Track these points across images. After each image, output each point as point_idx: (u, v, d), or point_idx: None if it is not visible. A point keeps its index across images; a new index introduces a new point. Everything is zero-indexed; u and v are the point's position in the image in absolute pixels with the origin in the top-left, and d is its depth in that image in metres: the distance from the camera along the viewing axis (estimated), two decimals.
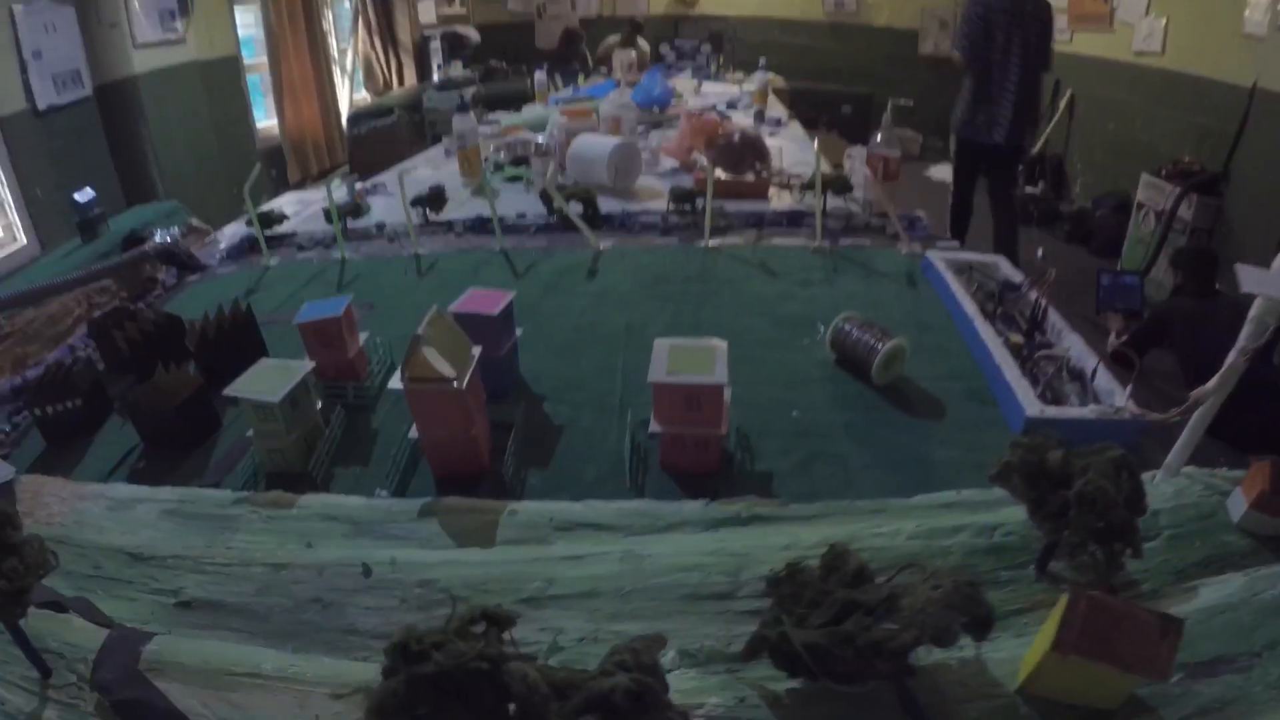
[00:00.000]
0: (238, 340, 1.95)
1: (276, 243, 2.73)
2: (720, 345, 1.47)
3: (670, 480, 1.47)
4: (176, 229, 2.75)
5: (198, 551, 1.22)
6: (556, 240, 2.62)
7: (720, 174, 2.92)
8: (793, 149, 3.60)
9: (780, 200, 2.96)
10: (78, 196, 2.70)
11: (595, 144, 3.14)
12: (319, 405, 1.61)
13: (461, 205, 2.93)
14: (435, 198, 2.79)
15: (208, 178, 5.71)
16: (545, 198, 2.76)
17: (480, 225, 2.74)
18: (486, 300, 1.69)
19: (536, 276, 2.34)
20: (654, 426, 1.44)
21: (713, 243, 2.49)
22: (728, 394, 1.42)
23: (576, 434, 1.63)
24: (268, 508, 1.38)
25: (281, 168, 6.89)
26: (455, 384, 1.37)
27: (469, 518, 1.28)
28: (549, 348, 1.94)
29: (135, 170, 5.19)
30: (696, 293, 2.20)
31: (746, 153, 3.08)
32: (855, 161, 2.89)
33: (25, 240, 4.28)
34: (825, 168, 2.76)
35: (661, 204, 2.84)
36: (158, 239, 2.62)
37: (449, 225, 2.77)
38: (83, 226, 2.69)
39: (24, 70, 4.30)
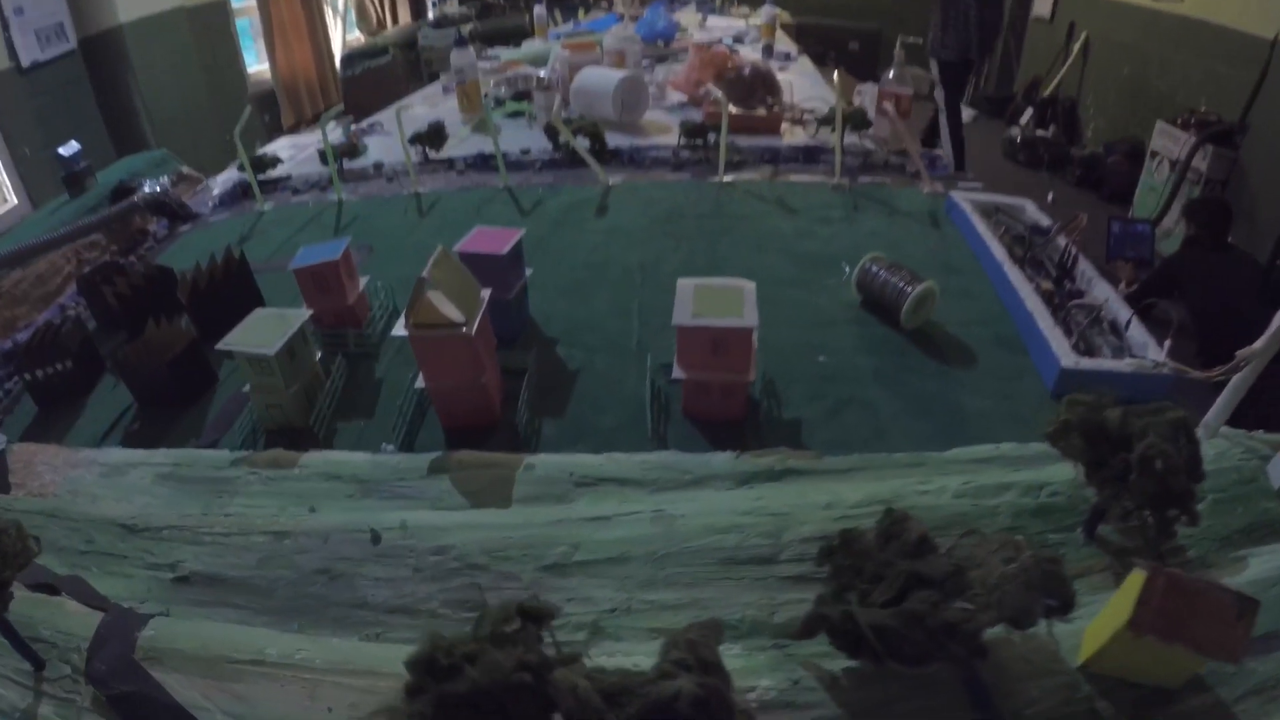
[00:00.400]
0: (232, 290, 1.84)
1: (270, 187, 2.60)
2: (748, 286, 1.35)
3: (694, 429, 1.37)
4: (166, 178, 2.62)
5: (194, 521, 1.13)
6: (563, 176, 2.47)
7: (731, 108, 2.76)
8: (803, 84, 3.39)
9: (794, 136, 2.79)
10: (62, 150, 2.56)
11: (600, 77, 2.96)
12: (319, 355, 1.51)
13: (462, 143, 2.78)
14: (435, 134, 2.63)
15: (199, 126, 5.53)
16: (551, 132, 2.61)
17: (482, 162, 2.60)
18: (494, 239, 1.57)
19: (544, 214, 2.20)
20: (677, 372, 1.33)
21: (727, 178, 2.35)
22: (755, 337, 1.31)
23: (592, 379, 1.53)
24: (267, 468, 1.28)
25: (275, 112, 6.69)
26: (464, 329, 1.26)
27: (482, 474, 1.18)
28: (559, 288, 1.83)
29: (125, 122, 5.02)
30: (712, 229, 2.07)
31: (757, 86, 2.91)
32: (866, 98, 2.75)
33: (15, 200, 4.16)
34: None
35: (671, 139, 2.69)
36: (147, 189, 2.49)
37: (450, 163, 2.63)
38: (69, 181, 2.56)
39: (5, 28, 4.12)
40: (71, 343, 1.71)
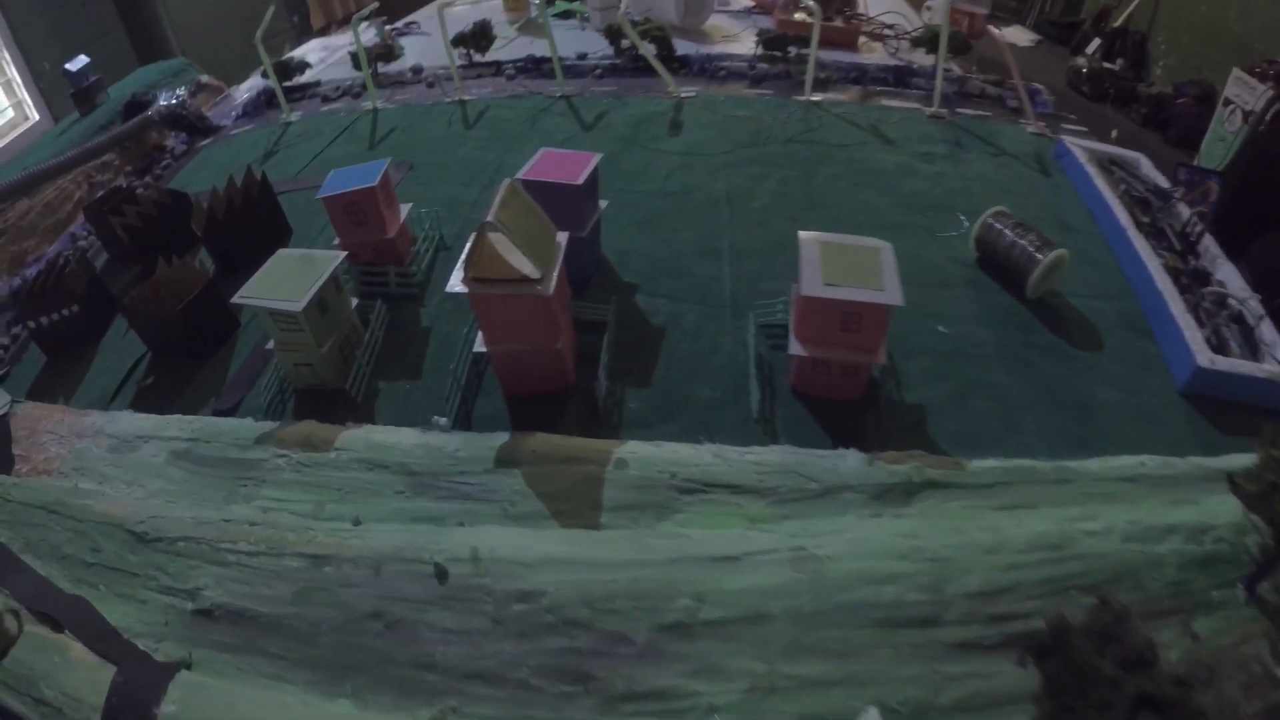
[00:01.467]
0: (254, 218, 1.59)
1: (298, 95, 2.31)
2: (885, 248, 1.08)
3: (804, 408, 1.12)
4: (184, 89, 2.34)
5: (214, 532, 0.91)
6: (627, 86, 2.14)
7: (800, 15, 2.37)
8: None
9: (870, 52, 2.39)
10: (69, 66, 2.29)
11: None
12: (354, 304, 1.26)
13: (508, 45, 2.44)
14: (480, 35, 2.30)
15: (225, 30, 5.19)
16: (611, 35, 2.25)
17: (534, 66, 2.27)
18: (566, 164, 1.28)
19: (609, 129, 1.89)
20: (795, 348, 1.07)
21: (815, 97, 2.00)
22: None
23: (681, 337, 1.26)
24: (298, 449, 1.06)
25: (303, 13, 6.29)
26: (539, 286, 0.99)
27: (563, 470, 0.94)
28: (633, 220, 1.54)
29: (147, 31, 4.69)
30: (802, 158, 1.75)
31: None
32: (936, 15, 2.33)
33: (37, 116, 3.91)
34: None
35: (739, 48, 2.33)
36: (162, 102, 2.22)
37: (496, 67, 2.30)
38: (78, 97, 2.30)
39: None
40: (77, 284, 1.48)
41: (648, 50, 2.01)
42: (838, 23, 2.44)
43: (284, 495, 1.01)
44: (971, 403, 1.14)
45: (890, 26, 2.47)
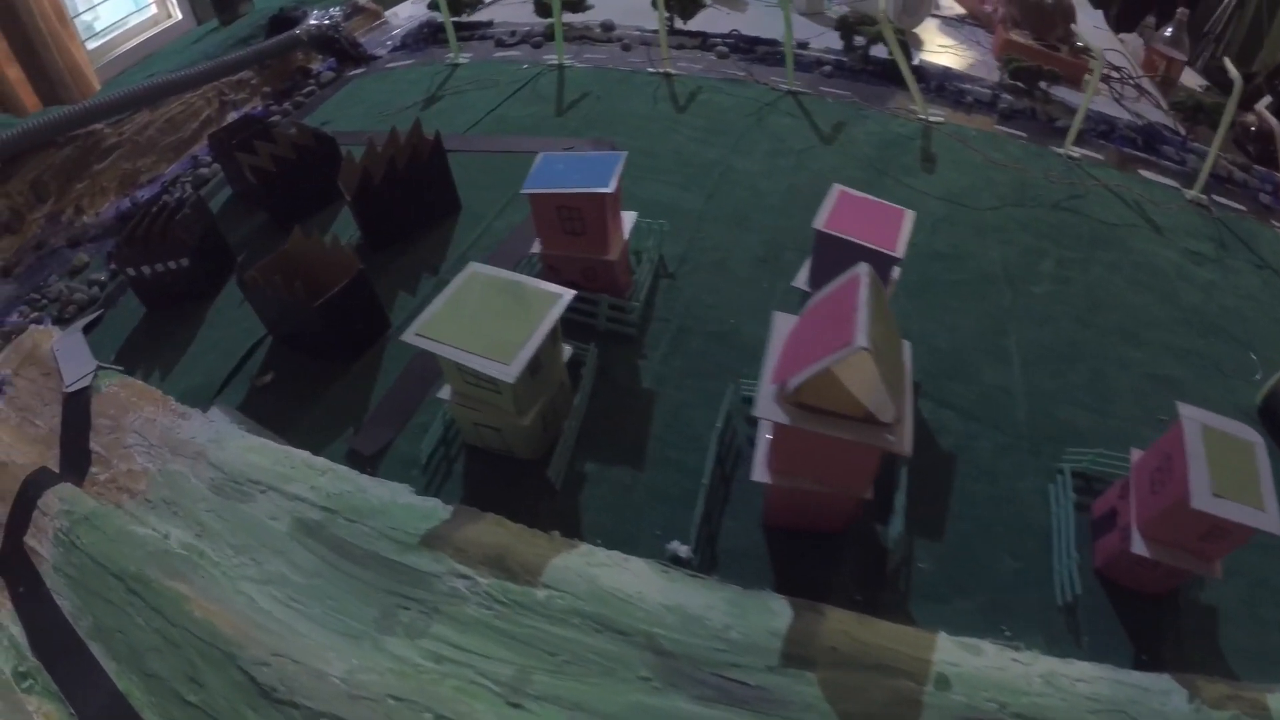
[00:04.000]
0: (419, 185, 1.26)
1: (465, 34, 1.97)
2: (1259, 447, 0.77)
3: (1105, 596, 0.84)
4: (338, 9, 2.02)
5: (372, 690, 0.59)
6: (860, 91, 1.75)
7: (1016, 35, 1.98)
8: (1083, 23, 2.44)
9: (1093, 93, 1.97)
10: None
11: None
12: (568, 353, 0.91)
13: (711, 19, 2.06)
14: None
15: None
16: (845, 29, 1.86)
17: (747, 48, 1.89)
18: (870, 217, 0.93)
19: (851, 146, 1.52)
20: (1138, 546, 0.76)
21: (1073, 152, 1.59)
22: None
23: (974, 474, 0.94)
24: (487, 570, 0.73)
25: None
26: (891, 436, 0.65)
27: (873, 683, 0.64)
28: (905, 286, 1.17)
29: None
30: (1075, 233, 1.38)
31: (1058, 16, 2.06)
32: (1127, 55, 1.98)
33: (179, 15, 3.66)
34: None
35: (953, 60, 1.96)
36: (313, 21, 1.90)
37: (702, 39, 1.93)
38: (220, 4, 2.00)
39: None
40: (190, 236, 1.17)
41: (904, 61, 1.62)
42: (1063, 52, 2.01)
43: (469, 643, 0.68)
44: (1261, 610, 0.85)
45: (1117, 69, 2.05)
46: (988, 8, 2.28)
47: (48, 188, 1.43)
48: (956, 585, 0.82)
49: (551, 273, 1.05)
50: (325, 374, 1.05)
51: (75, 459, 0.98)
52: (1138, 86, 2.02)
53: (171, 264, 1.17)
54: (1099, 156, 1.66)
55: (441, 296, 0.82)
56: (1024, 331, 1.14)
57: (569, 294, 0.83)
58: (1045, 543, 0.87)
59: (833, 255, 0.90)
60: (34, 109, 2.08)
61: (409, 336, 0.78)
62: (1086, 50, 2.04)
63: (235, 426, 0.96)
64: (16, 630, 0.76)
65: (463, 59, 1.82)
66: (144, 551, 0.77)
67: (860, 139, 1.54)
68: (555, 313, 0.80)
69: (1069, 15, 2.08)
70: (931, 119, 1.65)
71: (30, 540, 0.84)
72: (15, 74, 2.08)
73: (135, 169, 1.52)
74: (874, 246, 0.87)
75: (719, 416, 0.92)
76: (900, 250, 0.89)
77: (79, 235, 1.42)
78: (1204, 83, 2.51)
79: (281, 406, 1.02)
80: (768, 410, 0.69)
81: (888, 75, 1.78)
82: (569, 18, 1.98)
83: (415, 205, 1.26)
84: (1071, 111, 1.74)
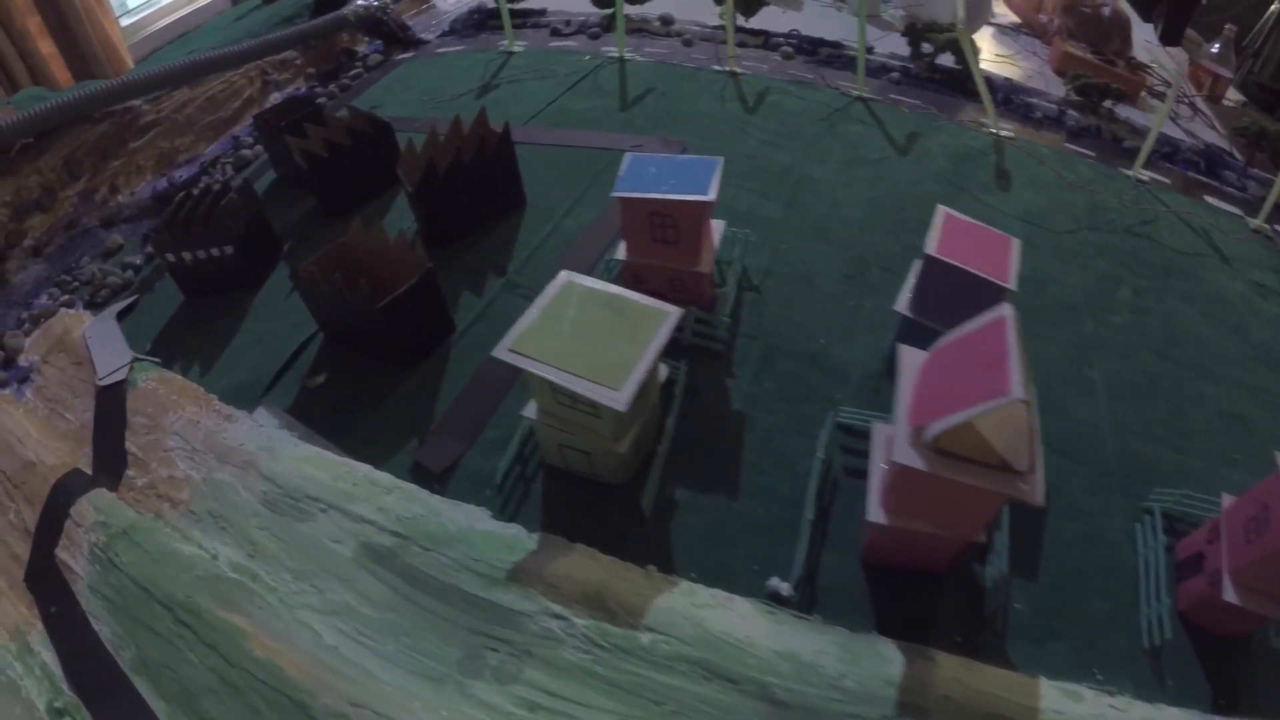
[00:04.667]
0: (485, 178, 1.18)
1: (519, 21, 1.89)
2: None
3: (1188, 639, 0.78)
4: None
5: None
6: (929, 100, 1.66)
7: (1073, 47, 1.90)
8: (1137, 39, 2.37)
9: (1145, 110, 1.87)
10: None
11: None
12: (664, 374, 0.83)
13: (770, 17, 1.98)
14: None
15: None
16: (913, 35, 1.78)
17: (811, 49, 1.81)
18: (979, 244, 0.86)
19: (926, 159, 1.43)
20: (1229, 594, 0.70)
21: (1142, 174, 1.51)
22: None
23: (1065, 514, 0.86)
24: (583, 609, 0.65)
25: None
26: (1024, 485, 0.57)
27: None
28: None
29: None
30: (1149, 261, 1.30)
31: (1114, 29, 1.97)
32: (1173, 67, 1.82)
33: None
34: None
35: (1010, 70, 1.88)
36: (360, 2, 1.83)
37: (765, 38, 1.85)
38: None
39: None
40: (235, 223, 1.09)
41: (978, 72, 1.54)
42: (1120, 68, 1.93)
43: (567, 691, 0.60)
44: None
45: (1168, 85, 1.97)
46: (1043, 18, 2.20)
47: (81, 165, 1.35)
48: (1050, 627, 0.76)
49: (635, 280, 0.96)
50: (383, 378, 0.96)
51: (109, 460, 0.90)
52: (1192, 105, 1.94)
53: (215, 251, 1.09)
54: (1166, 180, 1.57)
55: (535, 307, 0.74)
56: (1106, 363, 1.07)
57: (676, 312, 0.74)
58: (1132, 583, 0.81)
59: (941, 282, 0.83)
60: (66, 85, 2.00)
61: (501, 353, 0.70)
62: (1144, 66, 1.96)
63: (287, 433, 0.88)
64: (49, 656, 0.67)
65: (518, 47, 1.74)
66: (192, 575, 0.69)
67: (934, 151, 1.46)
68: (664, 333, 0.72)
69: (1125, 29, 2.00)
70: (1002, 133, 1.57)
71: (62, 554, 0.76)
72: (48, 48, 2.01)
73: (173, 148, 1.44)
74: (987, 277, 0.80)
75: (818, 445, 0.84)
76: (1013, 282, 0.81)
77: (113, 215, 1.34)
78: (1240, 98, 2.43)
79: (335, 411, 0.93)
80: (904, 455, 0.61)
81: (955, 84, 1.71)
82: (627, 9, 1.90)
83: (480, 200, 1.18)
84: (1134, 130, 1.66)
